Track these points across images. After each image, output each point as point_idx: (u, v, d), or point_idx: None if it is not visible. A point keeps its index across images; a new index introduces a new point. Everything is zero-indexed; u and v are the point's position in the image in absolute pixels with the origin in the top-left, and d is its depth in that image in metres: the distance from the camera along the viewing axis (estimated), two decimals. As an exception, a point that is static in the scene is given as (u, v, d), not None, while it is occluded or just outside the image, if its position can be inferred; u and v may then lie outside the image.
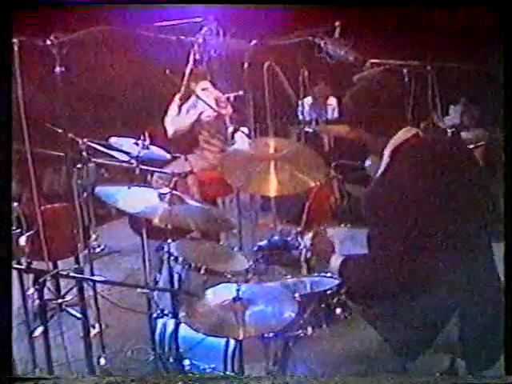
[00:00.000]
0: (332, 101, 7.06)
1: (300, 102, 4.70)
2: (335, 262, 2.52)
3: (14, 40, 2.39)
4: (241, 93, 4.87)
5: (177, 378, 2.10)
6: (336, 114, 7.04)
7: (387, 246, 2.30)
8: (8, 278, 2.18)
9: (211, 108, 4.76)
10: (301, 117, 5.37)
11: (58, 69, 2.55)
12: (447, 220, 2.25)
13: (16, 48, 2.41)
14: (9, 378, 2.01)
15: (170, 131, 5.07)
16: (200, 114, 5.02)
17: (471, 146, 4.82)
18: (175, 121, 5.05)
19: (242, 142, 3.89)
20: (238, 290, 2.27)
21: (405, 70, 4.00)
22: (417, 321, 2.30)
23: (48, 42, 2.49)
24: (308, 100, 5.69)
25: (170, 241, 2.91)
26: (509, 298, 2.10)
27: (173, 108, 5.07)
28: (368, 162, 3.29)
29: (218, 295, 2.36)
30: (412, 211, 2.25)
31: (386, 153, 2.44)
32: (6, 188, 2.16)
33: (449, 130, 4.79)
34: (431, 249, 2.24)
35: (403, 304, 2.31)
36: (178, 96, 4.98)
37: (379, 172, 2.48)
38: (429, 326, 2.32)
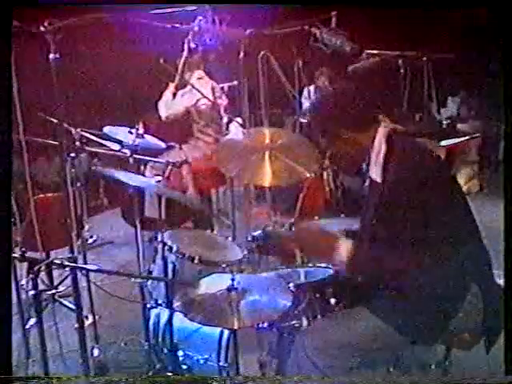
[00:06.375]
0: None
1: (294, 92, 4.68)
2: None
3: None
4: (235, 83, 4.85)
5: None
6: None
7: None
8: (7, 282, 2.16)
9: (206, 98, 4.73)
10: (296, 107, 5.34)
11: (52, 56, 2.51)
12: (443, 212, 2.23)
13: (10, 34, 2.37)
14: (7, 379, 2.00)
15: (164, 114, 5.04)
16: (196, 101, 4.98)
17: (467, 138, 4.81)
18: (169, 104, 5.01)
19: (236, 131, 3.88)
20: (232, 280, 2.26)
21: (400, 61, 3.98)
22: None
23: (42, 29, 2.45)
24: (303, 90, 5.65)
25: (163, 230, 2.90)
26: (509, 300, 2.10)
27: (167, 94, 5.04)
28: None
29: (213, 285, 2.35)
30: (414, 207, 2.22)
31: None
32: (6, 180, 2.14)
33: (444, 122, 4.79)
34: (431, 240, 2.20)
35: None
36: (173, 84, 4.95)
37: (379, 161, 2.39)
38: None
